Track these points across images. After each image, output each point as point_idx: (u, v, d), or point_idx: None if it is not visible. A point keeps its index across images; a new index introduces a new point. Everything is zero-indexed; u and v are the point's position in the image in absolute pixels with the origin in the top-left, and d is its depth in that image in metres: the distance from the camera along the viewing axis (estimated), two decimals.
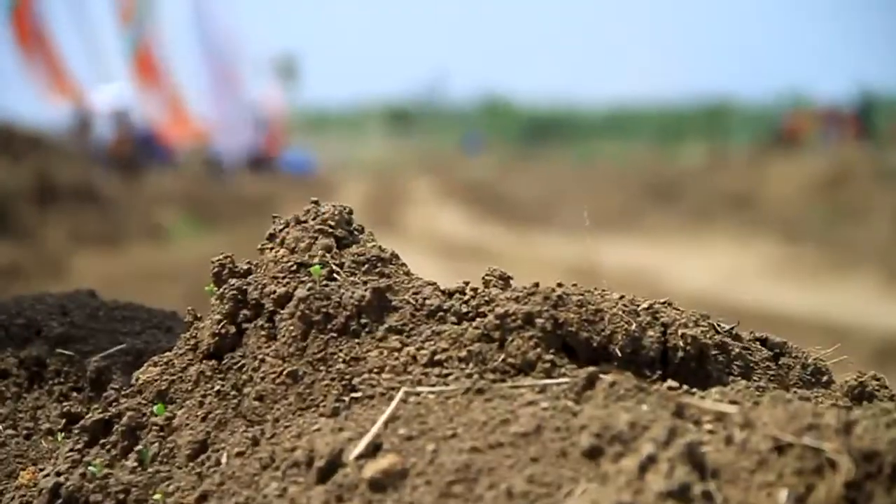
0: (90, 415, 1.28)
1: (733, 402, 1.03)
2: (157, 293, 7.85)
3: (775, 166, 21.61)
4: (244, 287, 1.26)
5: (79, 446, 1.27)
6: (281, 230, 1.32)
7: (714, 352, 1.20)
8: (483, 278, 1.32)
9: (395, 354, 1.15)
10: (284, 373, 1.18)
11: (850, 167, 17.66)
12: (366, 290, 1.20)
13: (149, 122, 23.74)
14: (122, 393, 1.29)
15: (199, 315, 1.30)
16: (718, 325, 1.26)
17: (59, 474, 1.26)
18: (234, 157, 30.26)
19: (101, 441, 1.26)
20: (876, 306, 8.46)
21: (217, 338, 1.25)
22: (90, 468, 1.22)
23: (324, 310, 1.20)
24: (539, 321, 1.15)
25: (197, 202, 18.18)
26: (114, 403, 1.29)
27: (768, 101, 72.36)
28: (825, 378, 1.28)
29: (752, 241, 13.19)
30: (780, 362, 1.27)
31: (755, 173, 21.92)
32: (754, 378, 1.21)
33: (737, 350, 1.23)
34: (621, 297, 1.24)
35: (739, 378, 1.20)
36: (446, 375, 1.13)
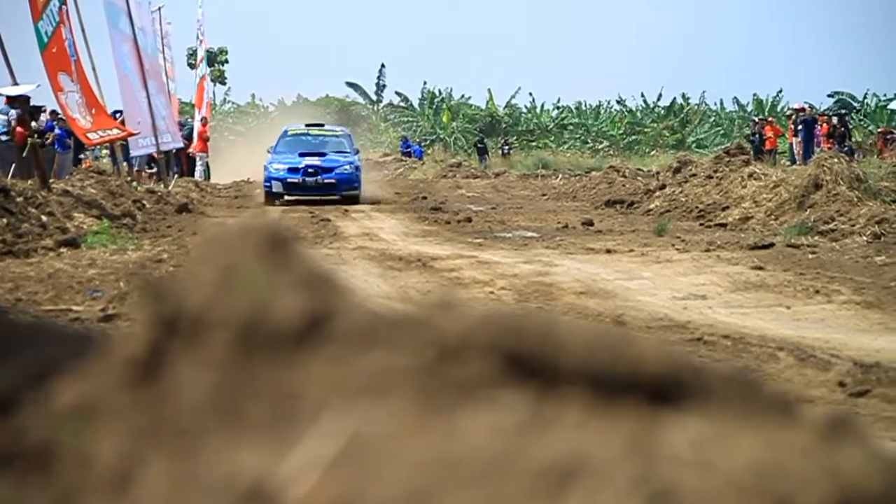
0: None
1: (699, 430, 1.04)
2: (70, 306, 7.78)
3: (744, 176, 21.75)
4: (170, 303, 1.26)
5: None
6: (211, 242, 1.31)
7: (677, 377, 1.21)
8: (427, 298, 1.33)
9: (334, 381, 1.16)
10: (213, 398, 1.18)
11: (824, 177, 17.81)
12: (301, 311, 1.21)
13: (60, 115, 23.54)
14: (31, 417, 1.28)
15: (118, 332, 1.30)
16: (681, 349, 1.27)
17: None
18: (148, 156, 29.99)
19: (6, 469, 1.25)
20: (850, 327, 8.54)
21: (139, 358, 1.25)
22: None
23: (256, 332, 1.20)
24: (490, 346, 1.16)
25: (115, 207, 18.05)
26: (21, 428, 1.28)
27: (738, 108, 72.73)
28: (794, 407, 1.29)
29: (719, 255, 13.28)
30: (746, 390, 1.28)
31: (723, 183, 22.08)
32: (720, 406, 1.22)
33: (701, 376, 1.24)
34: (579, 318, 1.25)
35: (703, 406, 1.21)
36: (388, 404, 1.13)
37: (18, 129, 23.61)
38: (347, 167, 29.38)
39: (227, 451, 1.13)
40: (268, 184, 28.87)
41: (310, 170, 28.90)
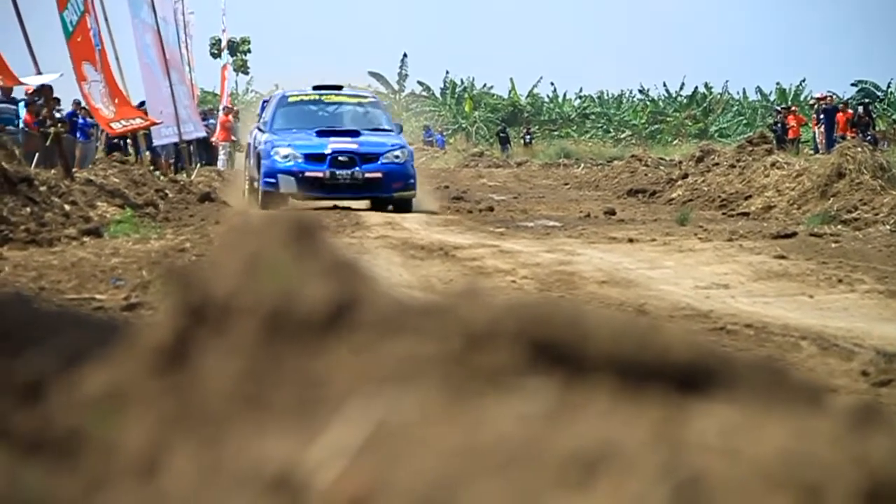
0: (22, 426, 1.28)
1: (727, 418, 1.04)
2: (93, 295, 7.81)
3: (767, 165, 21.70)
4: (197, 291, 1.26)
5: (9, 460, 1.26)
6: (236, 230, 1.32)
7: (705, 365, 1.21)
8: (450, 287, 1.33)
9: (360, 369, 1.16)
10: (240, 386, 1.18)
11: (847, 167, 17.76)
12: (328, 299, 1.21)
13: (83, 105, 23.63)
14: (59, 404, 1.29)
15: (142, 320, 1.30)
16: (707, 338, 1.27)
17: None
18: (175, 146, 30.13)
19: (35, 456, 1.25)
20: (873, 316, 8.51)
21: (165, 346, 1.25)
22: (22, 485, 1.22)
23: (283, 320, 1.20)
24: (517, 334, 1.16)
25: (138, 196, 18.09)
26: (49, 415, 1.28)
27: (760, 97, 72.47)
28: (822, 395, 1.28)
29: (741, 244, 13.26)
30: (774, 378, 1.28)
31: (745, 172, 22.02)
32: (747, 394, 1.22)
33: (728, 364, 1.24)
34: (604, 306, 1.25)
35: (731, 394, 1.21)
36: (415, 392, 1.13)
37: (27, 117, 23.75)
38: (398, 153, 18.80)
39: (253, 438, 1.13)
40: (270, 179, 18.36)
41: (341, 158, 18.35)
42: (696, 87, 72.56)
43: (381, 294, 1.24)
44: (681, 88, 73.09)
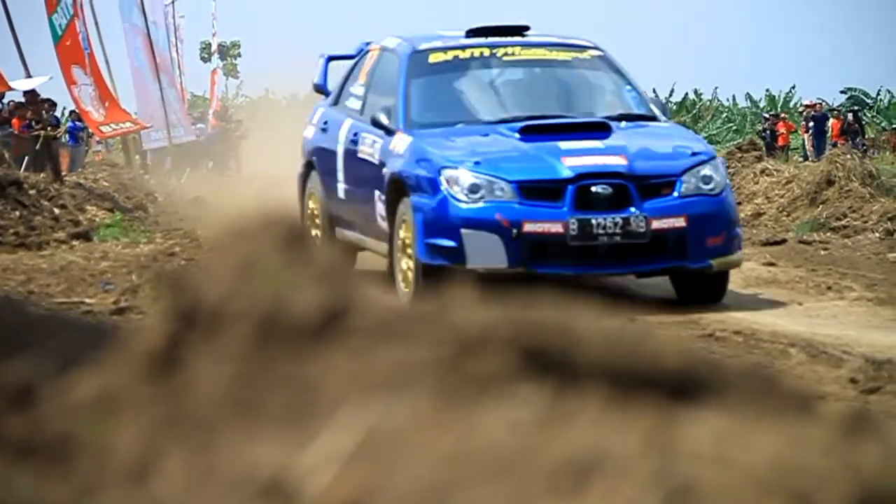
0: (13, 430, 1.28)
1: (718, 426, 1.04)
2: (82, 299, 7.80)
3: (756, 172, 21.76)
4: (189, 296, 1.26)
5: (1, 465, 1.26)
6: (227, 236, 1.32)
7: (696, 373, 1.21)
8: (444, 290, 1.32)
9: (352, 374, 1.16)
10: (232, 391, 1.18)
11: (836, 174, 17.78)
12: (320, 305, 1.21)
13: (73, 108, 23.58)
14: (50, 408, 1.29)
15: (131, 324, 1.30)
16: (696, 345, 1.27)
17: None
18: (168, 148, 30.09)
19: (27, 461, 1.25)
20: (862, 323, 8.52)
21: (157, 350, 1.25)
22: (14, 489, 1.22)
23: (275, 325, 1.20)
24: (509, 341, 1.16)
25: (127, 200, 18.07)
26: (40, 420, 1.28)
27: (750, 104, 72.63)
28: (813, 403, 1.29)
29: None
30: (765, 386, 1.28)
31: (735, 179, 22.02)
32: (738, 402, 1.22)
33: (719, 372, 1.24)
34: (596, 314, 1.25)
35: (722, 401, 1.21)
36: (407, 398, 1.13)
37: (15, 120, 23.72)
38: (708, 172, 8.77)
39: (245, 444, 1.13)
40: (445, 242, 8.44)
41: (596, 189, 8.46)
42: (686, 94, 72.51)
43: (374, 300, 1.24)
44: (670, 95, 73.03)
